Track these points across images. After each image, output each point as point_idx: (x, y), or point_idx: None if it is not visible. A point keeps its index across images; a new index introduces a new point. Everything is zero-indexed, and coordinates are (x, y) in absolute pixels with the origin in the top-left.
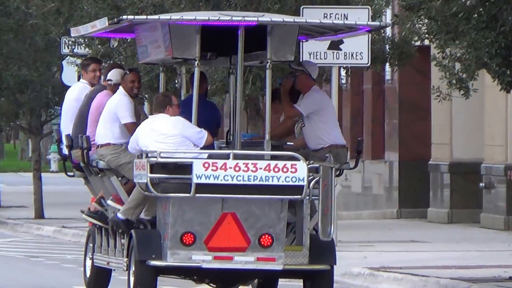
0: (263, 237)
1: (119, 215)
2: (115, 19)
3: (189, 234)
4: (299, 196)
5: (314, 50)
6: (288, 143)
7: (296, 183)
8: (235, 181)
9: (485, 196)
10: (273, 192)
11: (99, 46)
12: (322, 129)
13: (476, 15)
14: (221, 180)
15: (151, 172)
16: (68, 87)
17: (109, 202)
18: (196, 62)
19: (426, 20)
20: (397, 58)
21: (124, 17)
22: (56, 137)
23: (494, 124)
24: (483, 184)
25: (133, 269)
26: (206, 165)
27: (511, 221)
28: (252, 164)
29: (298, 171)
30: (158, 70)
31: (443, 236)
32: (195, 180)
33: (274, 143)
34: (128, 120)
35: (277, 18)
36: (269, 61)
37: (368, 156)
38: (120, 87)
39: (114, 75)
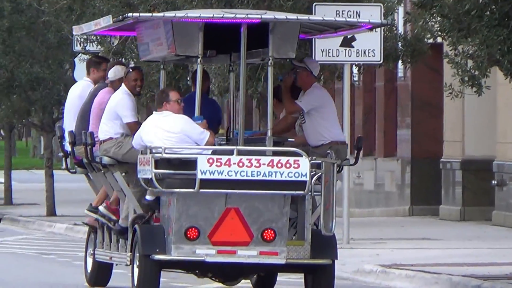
0: (266, 231)
1: (121, 223)
2: (120, 16)
3: (193, 229)
4: (302, 192)
5: (326, 48)
6: (289, 139)
7: (299, 179)
8: (238, 177)
9: (497, 194)
10: (276, 188)
11: (112, 43)
12: (322, 126)
13: (488, 12)
14: (225, 175)
15: (156, 168)
16: None
17: (101, 208)
18: (199, 60)
19: (439, 18)
20: (410, 55)
21: (130, 14)
22: (59, 134)
23: (506, 121)
24: (495, 182)
25: (137, 263)
26: (211, 161)
27: None
28: (255, 160)
29: (301, 167)
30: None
31: (455, 234)
32: (199, 176)
33: (276, 139)
34: (131, 120)
35: (280, 15)
36: (271, 58)
37: (380, 153)
38: (123, 85)
39: (110, 72)
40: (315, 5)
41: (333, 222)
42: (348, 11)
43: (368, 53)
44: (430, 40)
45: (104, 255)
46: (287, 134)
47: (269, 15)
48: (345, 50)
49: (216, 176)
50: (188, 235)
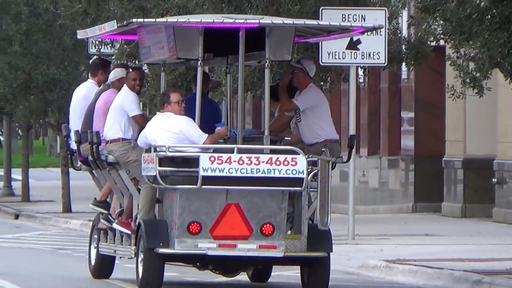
0: (265, 226)
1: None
2: (125, 22)
3: (195, 224)
4: (300, 188)
5: (333, 50)
6: (285, 138)
7: (297, 176)
8: (239, 174)
9: (497, 191)
10: (274, 184)
11: (125, 46)
12: (317, 125)
13: (489, 16)
14: (226, 172)
15: (160, 165)
16: None
17: (115, 225)
18: (199, 62)
19: (441, 22)
20: (413, 58)
21: (134, 20)
22: (65, 133)
23: (507, 121)
24: (496, 180)
25: (141, 257)
26: (212, 158)
27: None
28: (255, 157)
29: (298, 164)
30: (181, 69)
31: (456, 230)
32: (201, 173)
33: (273, 138)
34: (136, 113)
35: (277, 20)
36: (267, 60)
37: (384, 152)
38: (125, 85)
39: (111, 74)
40: (322, 9)
41: (328, 217)
42: (354, 15)
43: (373, 55)
44: (433, 43)
45: (108, 249)
46: (283, 133)
47: (266, 20)
48: (351, 52)
49: (217, 173)
50: (191, 230)
